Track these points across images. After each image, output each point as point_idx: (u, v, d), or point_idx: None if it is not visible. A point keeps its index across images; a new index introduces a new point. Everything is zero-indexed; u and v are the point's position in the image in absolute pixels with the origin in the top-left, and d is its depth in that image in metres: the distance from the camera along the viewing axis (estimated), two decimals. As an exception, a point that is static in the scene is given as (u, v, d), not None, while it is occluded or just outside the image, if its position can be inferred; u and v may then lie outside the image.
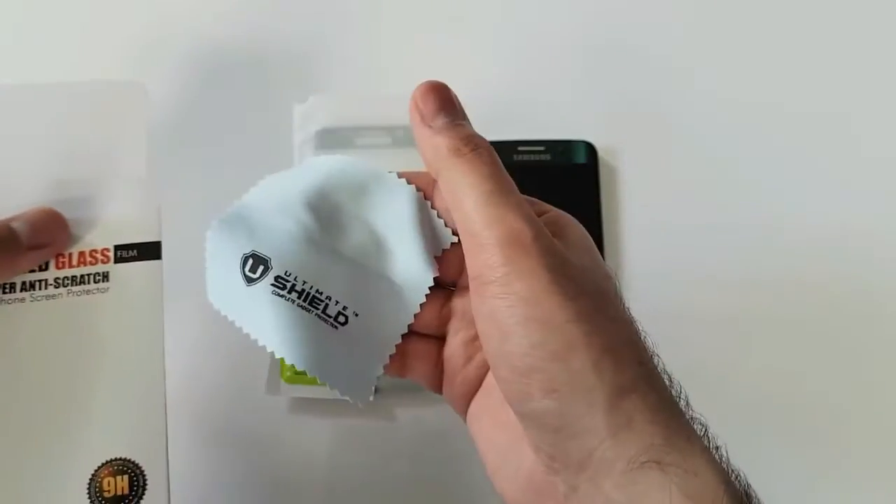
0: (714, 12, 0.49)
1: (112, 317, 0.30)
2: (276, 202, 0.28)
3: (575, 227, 0.26)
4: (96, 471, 0.28)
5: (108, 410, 0.29)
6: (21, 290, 0.30)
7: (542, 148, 0.44)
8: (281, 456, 0.40)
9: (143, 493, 0.28)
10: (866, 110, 0.47)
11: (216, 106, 0.47)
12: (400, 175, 0.28)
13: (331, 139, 0.45)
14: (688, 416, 0.24)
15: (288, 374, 0.39)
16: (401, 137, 0.45)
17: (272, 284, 0.27)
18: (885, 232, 0.44)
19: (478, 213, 0.24)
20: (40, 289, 0.30)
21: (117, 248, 0.31)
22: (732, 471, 0.24)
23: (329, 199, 0.28)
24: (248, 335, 0.27)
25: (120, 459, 0.29)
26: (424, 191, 0.28)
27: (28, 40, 0.48)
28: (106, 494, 0.28)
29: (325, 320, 0.27)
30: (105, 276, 0.30)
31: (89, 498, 0.28)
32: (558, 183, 0.44)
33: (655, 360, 0.25)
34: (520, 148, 0.44)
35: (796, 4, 0.49)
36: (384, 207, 0.28)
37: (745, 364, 0.41)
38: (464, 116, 0.27)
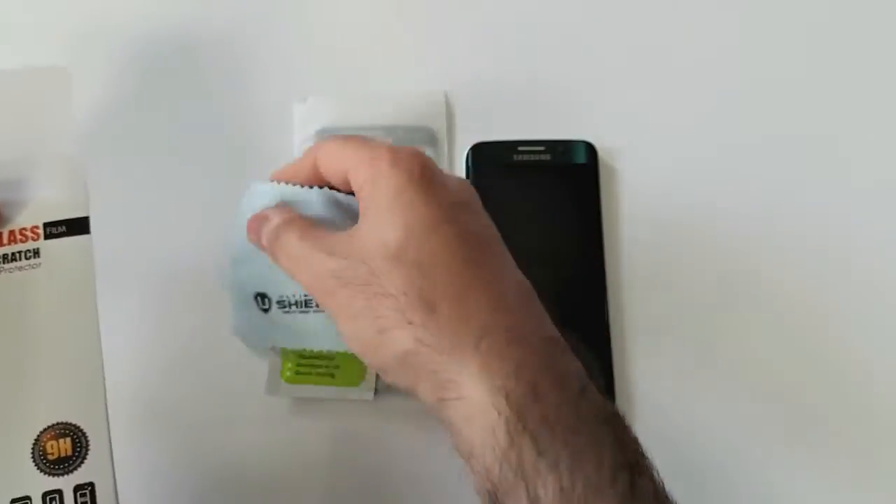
0: (714, 12, 0.49)
1: (45, 290, 0.32)
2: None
3: (381, 183, 0.29)
4: (39, 435, 0.30)
5: (48, 378, 0.31)
6: None
7: (542, 148, 0.44)
8: (281, 456, 0.40)
9: (86, 454, 0.30)
10: (869, 109, 0.46)
11: (217, 105, 0.47)
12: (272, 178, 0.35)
13: (331, 139, 0.45)
14: (481, 336, 0.27)
15: (288, 374, 0.39)
16: (401, 137, 0.45)
17: (278, 306, 0.35)
18: (887, 231, 0.44)
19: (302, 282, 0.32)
20: None
21: (46, 225, 0.32)
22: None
23: None
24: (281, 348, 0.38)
25: (62, 423, 0.30)
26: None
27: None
28: (50, 457, 0.30)
29: (319, 311, 0.34)
30: (36, 253, 0.32)
31: (33, 460, 0.30)
32: (558, 183, 0.44)
33: (460, 286, 0.28)
34: (520, 148, 0.44)
35: (797, 4, 0.49)
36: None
37: (744, 364, 0.41)
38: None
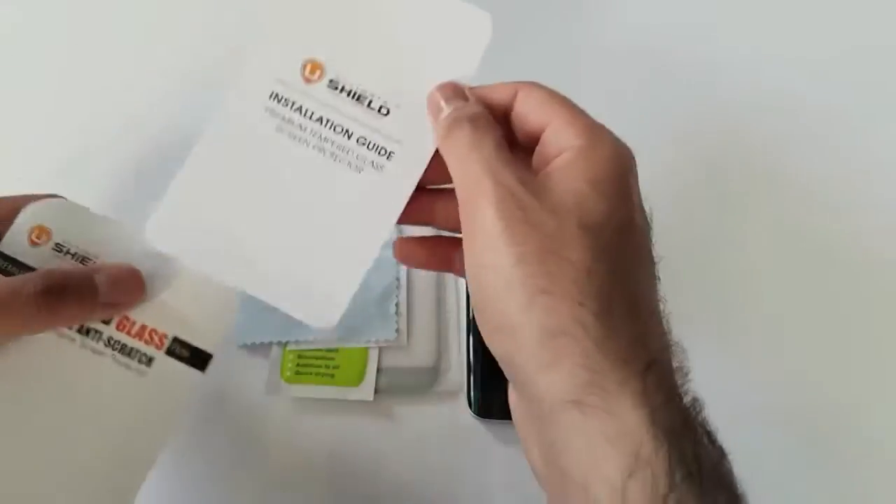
0: (714, 12, 0.49)
1: (134, 400, 0.30)
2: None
3: (597, 159, 0.26)
4: None
5: (82, 480, 0.29)
6: (77, 331, 0.29)
7: (542, 148, 0.44)
8: (281, 456, 0.40)
9: None
10: (868, 106, 0.47)
11: (215, 103, 0.47)
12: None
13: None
14: (651, 362, 0.24)
15: (288, 374, 0.40)
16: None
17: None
18: (889, 236, 0.44)
19: (455, 179, 0.27)
20: (94, 339, 0.30)
21: (175, 339, 0.30)
22: (703, 428, 0.25)
23: None
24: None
25: None
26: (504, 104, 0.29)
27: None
28: None
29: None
30: (150, 361, 0.30)
31: None
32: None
33: (634, 304, 0.25)
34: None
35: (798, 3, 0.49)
36: None
37: (745, 364, 0.41)
38: (463, 98, 0.29)
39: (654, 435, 0.23)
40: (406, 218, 0.30)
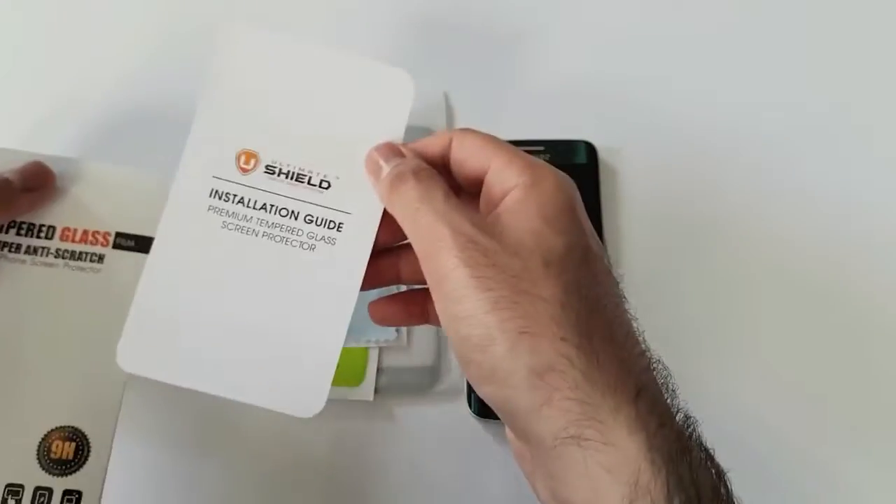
0: (714, 12, 0.49)
1: (95, 296, 0.33)
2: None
3: (544, 195, 0.27)
4: (49, 432, 0.31)
5: (72, 380, 0.32)
6: (24, 253, 0.33)
7: (541, 148, 0.44)
8: (280, 455, 0.40)
9: (83, 463, 0.31)
10: (867, 107, 0.47)
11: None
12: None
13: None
14: (640, 387, 0.25)
15: None
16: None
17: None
18: (888, 229, 0.44)
19: (409, 233, 0.28)
20: (42, 255, 0.33)
21: (118, 234, 0.34)
22: (700, 448, 0.25)
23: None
24: None
25: (72, 427, 0.32)
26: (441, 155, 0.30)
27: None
28: (52, 455, 0.31)
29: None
30: (101, 258, 0.33)
31: (37, 455, 0.31)
32: (558, 183, 0.44)
33: (610, 330, 0.26)
34: (520, 148, 0.44)
35: (794, 4, 0.49)
36: None
37: (746, 364, 0.41)
38: (400, 155, 0.30)
39: (651, 461, 0.23)
40: (373, 282, 0.30)
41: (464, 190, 0.30)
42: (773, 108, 0.47)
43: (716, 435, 0.39)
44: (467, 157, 0.29)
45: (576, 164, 0.44)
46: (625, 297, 0.28)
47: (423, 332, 0.41)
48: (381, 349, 0.40)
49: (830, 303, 0.43)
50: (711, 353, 0.42)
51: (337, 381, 0.38)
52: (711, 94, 0.47)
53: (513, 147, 0.28)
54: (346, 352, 0.38)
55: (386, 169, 0.29)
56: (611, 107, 0.47)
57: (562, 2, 0.49)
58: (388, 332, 0.40)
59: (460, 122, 0.46)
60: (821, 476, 0.39)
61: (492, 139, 0.29)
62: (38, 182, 0.33)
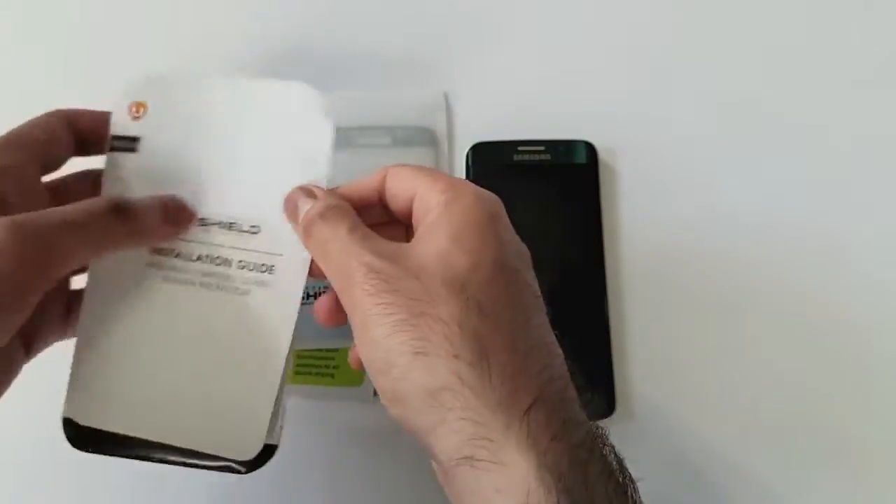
0: (713, 13, 0.49)
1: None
2: None
3: (458, 213, 0.27)
4: None
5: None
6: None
7: (542, 148, 0.44)
8: (280, 456, 0.40)
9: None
10: (866, 110, 0.47)
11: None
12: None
13: (331, 138, 0.45)
14: (534, 401, 0.24)
15: (288, 372, 0.39)
16: (400, 137, 0.45)
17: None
18: (885, 231, 0.44)
19: (325, 272, 0.29)
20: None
21: None
22: (601, 460, 0.24)
23: None
24: None
25: None
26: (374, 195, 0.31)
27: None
28: None
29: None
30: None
31: None
32: (558, 183, 0.44)
33: (514, 345, 0.25)
34: (520, 148, 0.44)
35: (795, 5, 0.49)
36: None
37: (745, 363, 0.41)
38: (313, 196, 0.30)
39: (540, 480, 0.23)
40: (338, 320, 0.30)
41: (402, 221, 0.30)
42: (772, 107, 0.47)
43: (717, 434, 0.40)
44: (397, 189, 0.30)
45: (576, 164, 0.44)
46: (541, 308, 0.27)
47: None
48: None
49: (830, 303, 0.43)
50: (711, 354, 0.42)
51: (337, 381, 0.39)
52: (711, 94, 0.47)
53: (439, 172, 0.29)
54: (346, 352, 0.38)
55: (301, 212, 0.30)
56: (611, 107, 0.47)
57: (562, 2, 0.49)
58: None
59: (461, 123, 0.46)
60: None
61: (420, 169, 0.29)
62: (177, 219, 0.32)
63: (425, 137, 0.45)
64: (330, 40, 0.48)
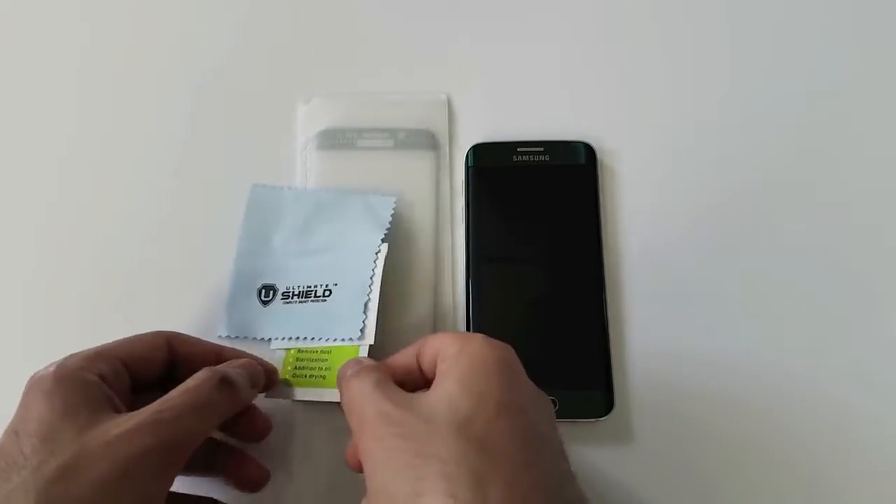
0: (713, 12, 0.49)
1: None
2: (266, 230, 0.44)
3: (467, 358, 0.29)
4: None
5: None
6: None
7: (541, 148, 0.45)
8: (277, 457, 0.40)
9: None
10: (868, 110, 0.47)
11: (221, 105, 0.47)
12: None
13: (333, 140, 0.45)
14: None
15: (288, 375, 0.40)
16: (402, 140, 0.45)
17: (282, 298, 0.42)
18: (887, 233, 0.44)
19: (351, 424, 0.30)
20: None
21: None
22: None
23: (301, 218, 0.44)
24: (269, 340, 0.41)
25: None
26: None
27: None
28: None
29: (318, 300, 0.41)
30: None
31: None
32: (557, 184, 0.44)
33: (514, 479, 0.26)
34: (519, 149, 0.44)
35: (796, 6, 0.49)
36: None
37: (745, 362, 0.42)
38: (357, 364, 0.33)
39: None
40: (357, 466, 0.31)
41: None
42: (772, 107, 0.47)
43: (717, 432, 0.40)
44: (427, 353, 0.32)
45: (575, 164, 0.44)
46: (551, 447, 0.28)
47: (416, 333, 0.41)
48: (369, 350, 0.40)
49: (831, 300, 0.43)
50: (711, 352, 0.42)
51: (328, 384, 0.39)
52: (711, 94, 0.47)
53: (462, 332, 0.32)
54: (338, 352, 0.39)
55: (345, 376, 0.32)
56: (610, 107, 0.47)
57: (562, 2, 0.50)
58: (356, 333, 0.40)
59: (462, 125, 0.47)
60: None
61: (444, 334, 0.32)
62: (260, 383, 0.37)
63: (427, 140, 0.46)
64: (334, 43, 0.49)
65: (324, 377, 0.39)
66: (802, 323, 0.42)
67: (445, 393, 0.28)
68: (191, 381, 0.32)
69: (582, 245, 0.43)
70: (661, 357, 0.42)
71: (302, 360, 0.40)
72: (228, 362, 0.36)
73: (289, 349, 0.40)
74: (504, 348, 0.30)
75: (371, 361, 0.33)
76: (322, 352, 0.40)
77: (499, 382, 0.28)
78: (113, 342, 0.34)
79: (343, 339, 0.39)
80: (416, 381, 0.32)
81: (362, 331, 0.39)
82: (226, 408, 0.33)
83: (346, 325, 0.40)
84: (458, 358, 0.29)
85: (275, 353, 0.40)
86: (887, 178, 0.45)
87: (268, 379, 0.38)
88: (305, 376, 0.39)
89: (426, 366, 0.32)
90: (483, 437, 0.26)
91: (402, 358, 0.33)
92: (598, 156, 0.45)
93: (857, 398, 0.41)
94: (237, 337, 0.41)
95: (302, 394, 0.39)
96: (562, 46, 0.48)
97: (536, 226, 0.43)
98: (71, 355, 0.32)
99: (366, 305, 0.40)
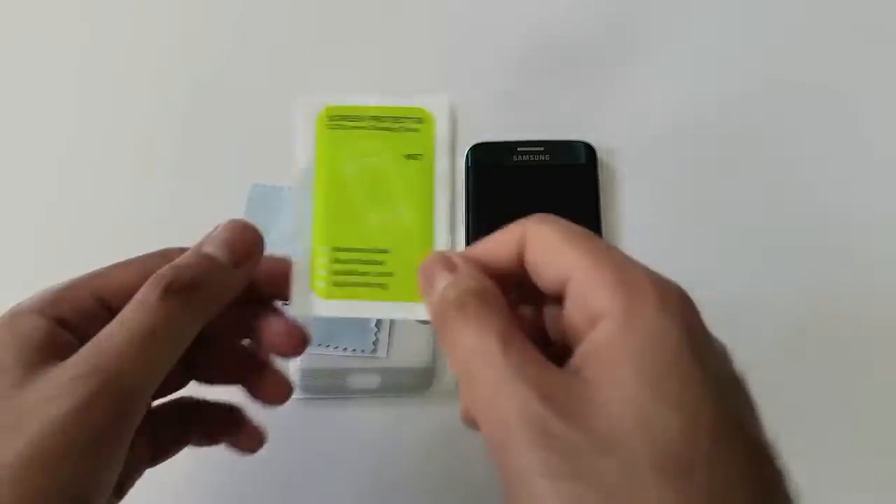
0: (713, 12, 0.49)
1: None
2: None
3: (643, 334, 0.20)
4: None
5: None
6: None
7: (541, 148, 0.44)
8: (278, 456, 0.40)
9: None
10: (868, 109, 0.47)
11: (219, 105, 0.48)
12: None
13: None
14: None
15: (322, 283, 0.28)
16: (402, 138, 0.45)
17: None
18: (888, 231, 0.44)
19: (468, 399, 0.22)
20: None
21: None
22: None
23: None
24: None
25: None
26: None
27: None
28: None
29: None
30: None
31: None
32: (558, 183, 0.44)
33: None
34: (519, 148, 0.44)
35: (794, 5, 0.49)
36: None
37: (743, 361, 0.41)
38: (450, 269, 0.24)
39: None
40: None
41: (548, 297, 0.23)
42: (772, 107, 0.47)
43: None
44: (541, 263, 0.22)
45: (575, 164, 0.44)
46: (770, 461, 0.20)
47: (414, 334, 0.41)
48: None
49: (831, 297, 0.43)
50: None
51: (391, 295, 0.29)
52: (710, 94, 0.47)
53: (600, 246, 0.22)
54: (401, 252, 0.29)
55: (437, 289, 0.23)
56: (610, 107, 0.47)
57: (562, 3, 0.49)
58: (365, 342, 0.40)
59: (462, 125, 0.46)
60: None
61: (573, 235, 0.22)
62: (247, 252, 0.27)
63: (427, 138, 0.45)
64: (333, 41, 0.49)
65: (382, 285, 0.28)
66: (803, 323, 0.42)
67: (626, 396, 0.19)
68: (128, 306, 0.24)
69: (582, 245, 0.43)
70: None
71: (343, 260, 0.28)
72: (193, 246, 0.28)
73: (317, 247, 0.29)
74: (685, 301, 0.21)
75: (471, 271, 0.23)
76: (376, 252, 0.28)
77: (702, 381, 0.19)
78: (90, 272, 0.27)
79: (354, 350, 0.39)
80: (511, 289, 0.23)
81: (375, 343, 0.39)
82: (187, 320, 0.25)
83: (351, 327, 0.39)
84: (628, 333, 0.20)
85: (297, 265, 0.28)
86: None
87: (253, 244, 0.27)
88: (353, 284, 0.28)
89: (542, 281, 0.23)
90: (712, 484, 0.18)
91: (496, 256, 0.23)
92: (599, 155, 0.45)
93: (864, 397, 0.41)
94: None
95: (351, 308, 0.28)
96: (562, 45, 0.48)
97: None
98: (38, 292, 0.26)
99: None
